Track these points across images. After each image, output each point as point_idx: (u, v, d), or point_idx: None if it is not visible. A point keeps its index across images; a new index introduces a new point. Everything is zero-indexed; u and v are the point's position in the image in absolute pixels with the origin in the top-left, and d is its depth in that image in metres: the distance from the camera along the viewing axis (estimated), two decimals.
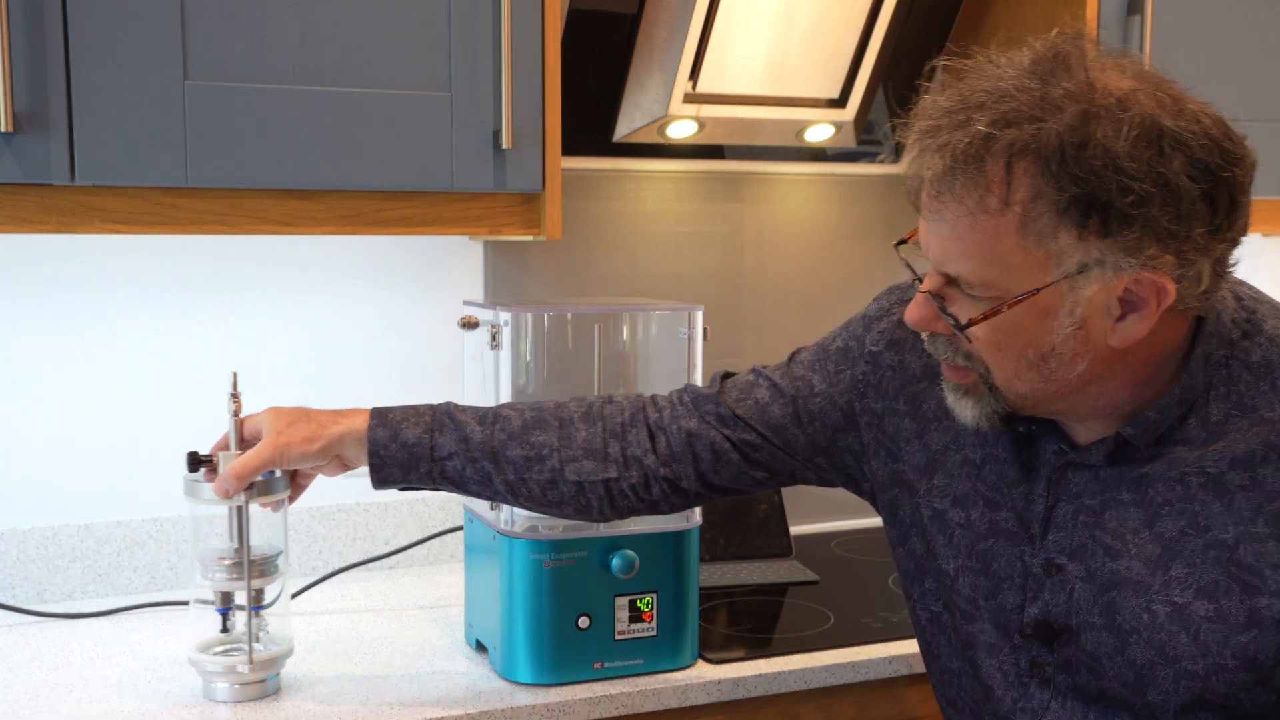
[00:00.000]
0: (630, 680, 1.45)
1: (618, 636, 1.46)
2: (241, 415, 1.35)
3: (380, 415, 1.31)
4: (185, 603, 1.73)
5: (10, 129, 1.35)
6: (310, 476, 1.38)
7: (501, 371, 1.49)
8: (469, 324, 1.52)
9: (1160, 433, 1.09)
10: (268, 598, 1.41)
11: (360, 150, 1.52)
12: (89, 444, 1.76)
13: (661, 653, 1.48)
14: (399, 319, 1.92)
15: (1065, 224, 0.99)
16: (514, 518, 1.46)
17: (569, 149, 1.76)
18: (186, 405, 1.80)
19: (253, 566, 1.36)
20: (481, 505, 1.51)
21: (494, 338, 1.48)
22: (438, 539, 1.93)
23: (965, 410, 1.13)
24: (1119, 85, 1.00)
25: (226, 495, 1.30)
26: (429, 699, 1.39)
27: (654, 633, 1.47)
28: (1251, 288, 1.15)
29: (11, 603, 1.69)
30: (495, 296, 1.95)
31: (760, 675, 1.49)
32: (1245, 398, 1.07)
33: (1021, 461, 1.17)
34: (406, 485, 1.32)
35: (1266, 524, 1.04)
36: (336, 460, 1.31)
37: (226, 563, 1.37)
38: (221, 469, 1.32)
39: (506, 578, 1.44)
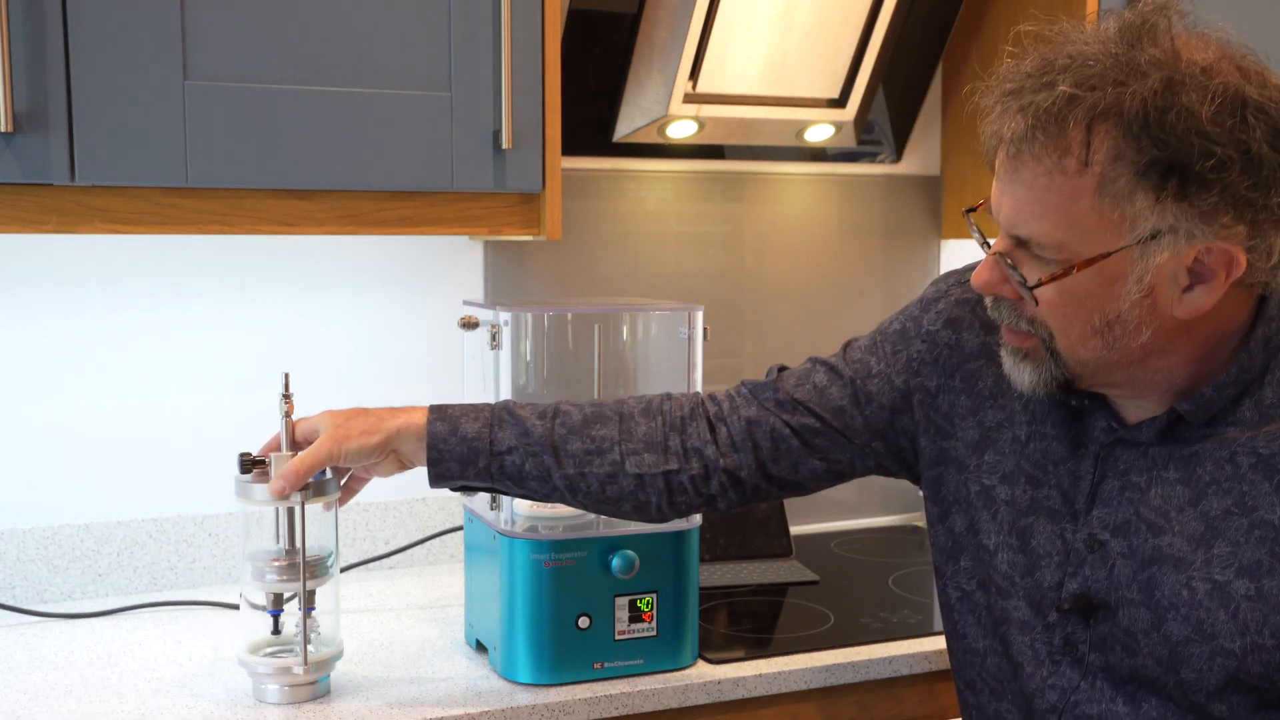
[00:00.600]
0: (630, 680, 1.45)
1: (618, 636, 1.46)
2: (293, 416, 1.35)
3: (439, 410, 1.30)
4: (185, 603, 1.74)
5: (10, 129, 1.35)
6: (363, 481, 1.38)
7: (501, 371, 1.49)
8: (469, 324, 1.52)
9: (1214, 412, 1.10)
10: (318, 598, 1.41)
11: (360, 150, 1.52)
12: (89, 444, 1.76)
13: (661, 653, 1.48)
14: (399, 319, 1.92)
15: (1143, 187, 1.00)
16: (514, 518, 1.46)
17: (569, 149, 1.77)
18: (186, 405, 1.80)
19: (307, 568, 1.36)
20: (481, 505, 1.51)
21: (494, 338, 1.48)
22: (438, 539, 1.93)
23: (1023, 375, 1.13)
24: (1204, 55, 1.02)
25: (282, 494, 1.29)
26: (429, 699, 1.39)
27: (654, 633, 1.47)
28: None
29: (11, 603, 1.69)
30: (495, 296, 1.95)
31: (760, 675, 1.49)
32: None
33: (1070, 438, 1.18)
34: (463, 483, 1.30)
35: None
36: (393, 457, 1.30)
37: (278, 564, 1.37)
38: (274, 470, 1.32)
39: (506, 578, 1.44)
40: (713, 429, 1.32)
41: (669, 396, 1.36)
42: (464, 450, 1.28)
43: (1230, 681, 1.08)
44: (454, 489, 1.32)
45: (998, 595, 1.22)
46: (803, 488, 1.35)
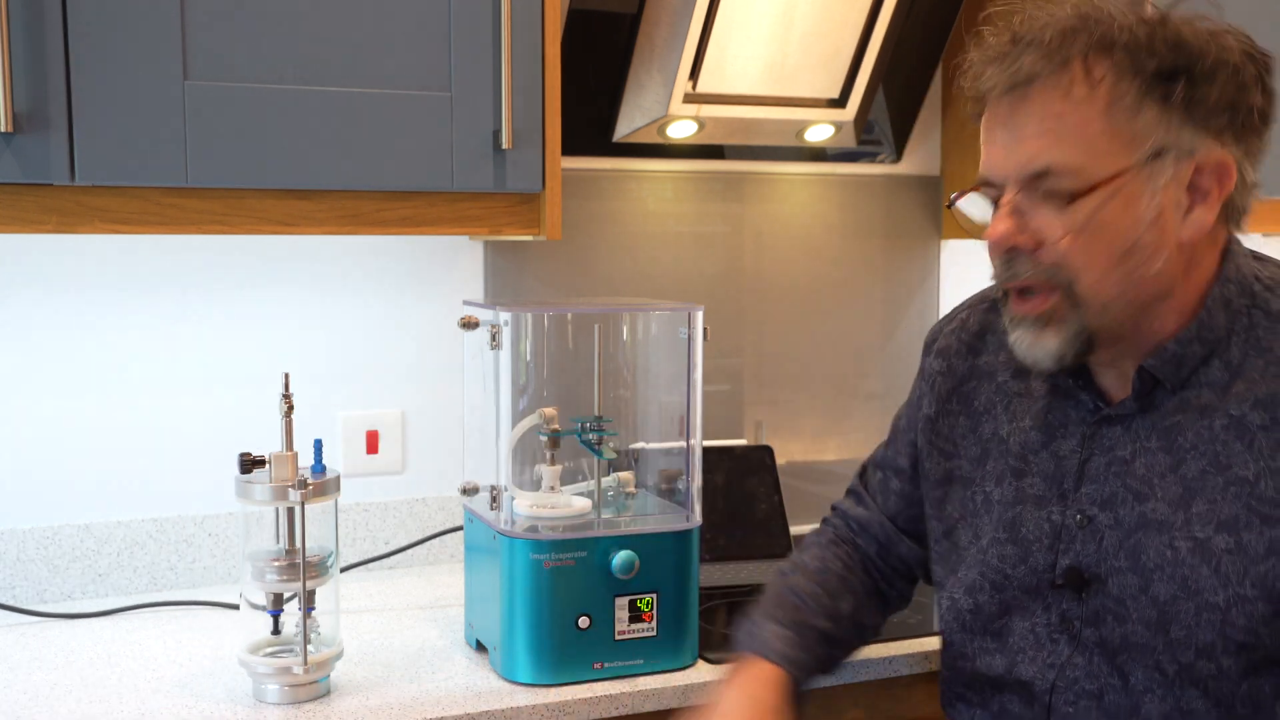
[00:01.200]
0: (630, 680, 1.45)
1: (618, 636, 1.45)
2: (293, 417, 1.37)
3: (792, 664, 1.30)
4: (185, 603, 1.74)
5: (10, 129, 1.35)
6: None
7: (501, 371, 1.49)
8: (469, 324, 1.52)
9: (1185, 374, 1.15)
10: (318, 598, 1.41)
11: (360, 150, 1.52)
12: (89, 444, 1.76)
13: (661, 653, 1.48)
14: (399, 319, 1.92)
15: (1150, 97, 1.08)
16: (514, 518, 1.46)
17: (569, 149, 1.76)
18: (186, 405, 1.80)
19: (307, 568, 1.36)
20: (481, 505, 1.51)
21: (494, 338, 1.48)
22: (438, 539, 1.93)
23: (1048, 346, 1.15)
24: (1169, 5, 1.14)
25: None
26: (429, 699, 1.39)
27: (654, 633, 1.47)
28: (1274, 259, 1.23)
29: (11, 603, 1.69)
30: (495, 296, 1.95)
31: None
32: (1262, 340, 1.14)
33: (1047, 426, 1.24)
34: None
35: None
36: None
37: (278, 564, 1.37)
38: (273, 469, 1.35)
39: (506, 578, 1.44)
40: (883, 578, 1.44)
41: (841, 555, 1.43)
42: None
43: (1218, 638, 1.11)
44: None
45: (993, 591, 1.25)
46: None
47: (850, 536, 1.45)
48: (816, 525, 2.23)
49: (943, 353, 1.36)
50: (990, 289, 1.30)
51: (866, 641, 1.42)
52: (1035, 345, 1.16)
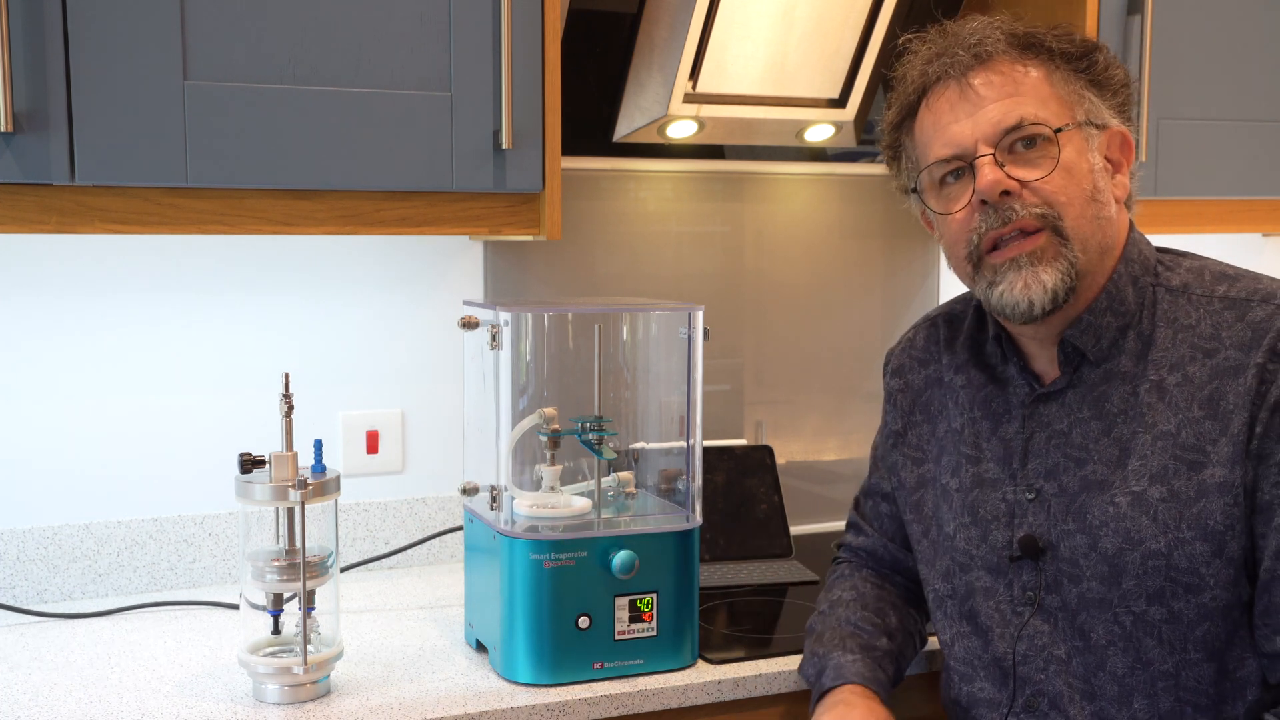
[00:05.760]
0: (630, 680, 1.45)
1: (618, 636, 1.46)
2: (293, 417, 1.38)
3: (873, 685, 1.35)
4: (185, 603, 1.74)
5: (10, 129, 1.36)
6: None
7: (501, 371, 1.49)
8: (469, 324, 1.52)
9: (1104, 345, 1.27)
10: (318, 598, 1.41)
11: (360, 150, 1.52)
12: (89, 444, 1.76)
13: (661, 653, 1.48)
14: (399, 319, 1.92)
15: (1073, 74, 1.26)
16: (514, 518, 1.46)
17: (569, 149, 1.76)
18: (187, 405, 1.80)
19: (307, 568, 1.36)
20: (481, 505, 1.51)
21: (494, 338, 1.48)
22: (438, 539, 1.93)
23: (1043, 279, 1.23)
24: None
25: None
26: (429, 699, 1.39)
27: (654, 633, 1.47)
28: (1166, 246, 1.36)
29: (11, 603, 1.69)
30: (495, 296, 1.95)
31: (760, 675, 1.49)
32: (1168, 312, 1.26)
33: (994, 415, 1.35)
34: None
35: (1200, 408, 1.21)
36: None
37: (278, 564, 1.37)
38: (273, 469, 1.36)
39: (506, 578, 1.44)
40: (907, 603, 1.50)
41: (869, 587, 1.50)
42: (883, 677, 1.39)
43: (1165, 583, 1.20)
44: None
45: (960, 572, 1.34)
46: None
47: (864, 563, 1.53)
48: (816, 524, 2.24)
49: (898, 371, 1.48)
50: (933, 310, 1.45)
51: (918, 647, 1.49)
52: (1031, 284, 1.23)
